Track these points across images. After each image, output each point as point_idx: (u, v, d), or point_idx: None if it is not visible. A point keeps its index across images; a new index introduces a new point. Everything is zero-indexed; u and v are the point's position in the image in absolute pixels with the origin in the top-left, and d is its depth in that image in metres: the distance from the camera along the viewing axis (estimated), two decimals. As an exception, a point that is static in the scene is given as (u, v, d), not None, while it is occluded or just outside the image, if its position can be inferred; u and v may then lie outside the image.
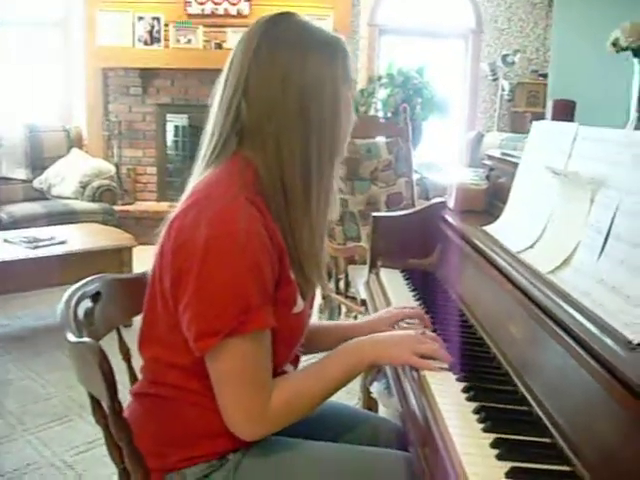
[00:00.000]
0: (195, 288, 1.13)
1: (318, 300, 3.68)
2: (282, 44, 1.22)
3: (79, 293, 1.37)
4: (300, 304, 1.27)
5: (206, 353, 1.16)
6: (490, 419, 1.07)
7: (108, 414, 1.16)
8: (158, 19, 6.19)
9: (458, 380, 1.22)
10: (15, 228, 4.49)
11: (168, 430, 1.27)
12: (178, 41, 6.20)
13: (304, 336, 1.35)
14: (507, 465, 0.95)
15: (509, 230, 1.62)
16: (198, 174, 1.27)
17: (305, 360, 1.42)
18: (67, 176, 5.55)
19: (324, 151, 1.23)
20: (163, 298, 1.22)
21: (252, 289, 1.13)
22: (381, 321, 1.51)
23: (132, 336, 1.37)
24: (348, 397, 2.87)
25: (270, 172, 1.21)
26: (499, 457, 0.98)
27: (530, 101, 6.78)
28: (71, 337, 1.18)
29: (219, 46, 6.10)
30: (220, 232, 1.13)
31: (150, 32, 6.20)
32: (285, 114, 1.20)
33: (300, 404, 1.24)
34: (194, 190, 1.23)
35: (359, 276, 2.88)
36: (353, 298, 3.24)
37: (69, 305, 1.31)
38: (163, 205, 6.07)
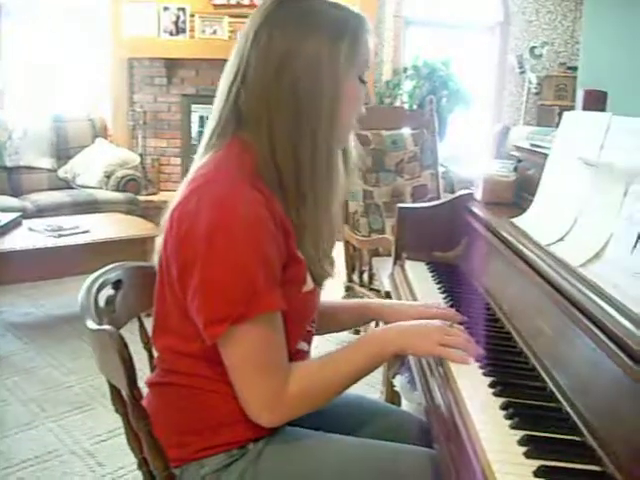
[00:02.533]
0: (201, 276, 1.12)
1: (341, 292, 3.67)
2: (282, 26, 1.19)
3: (100, 280, 1.36)
4: (310, 283, 1.26)
5: (216, 340, 1.15)
6: (518, 415, 1.04)
7: (127, 403, 1.14)
8: (184, 9, 6.19)
9: (485, 375, 1.19)
10: (40, 217, 4.52)
11: (186, 419, 1.26)
12: (203, 32, 6.19)
13: (315, 314, 1.34)
14: (535, 463, 0.92)
15: (538, 222, 1.58)
16: (198, 160, 1.27)
17: (323, 342, 1.40)
18: (92, 166, 5.57)
19: (319, 137, 1.20)
20: (172, 288, 1.21)
21: (258, 273, 1.12)
22: (407, 312, 1.46)
23: (153, 325, 1.36)
24: (371, 390, 2.85)
25: (264, 156, 1.19)
26: (527, 455, 0.95)
27: (558, 94, 6.70)
28: (91, 324, 1.17)
29: (244, 37, 6.07)
30: (222, 217, 1.11)
31: (175, 22, 6.19)
32: (277, 99, 1.18)
33: (318, 391, 1.22)
34: (193, 177, 1.22)
35: (383, 268, 2.85)
36: (377, 291, 3.22)
37: (90, 292, 1.30)
38: (187, 196, 6.01)
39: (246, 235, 1.11)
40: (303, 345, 1.36)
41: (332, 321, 1.52)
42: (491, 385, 1.16)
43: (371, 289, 3.33)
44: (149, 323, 1.47)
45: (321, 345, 1.44)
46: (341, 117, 1.23)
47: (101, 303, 1.32)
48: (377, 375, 2.51)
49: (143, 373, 1.35)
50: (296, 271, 1.22)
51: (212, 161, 1.22)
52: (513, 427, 1.02)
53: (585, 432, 1.01)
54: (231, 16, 6.19)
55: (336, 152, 1.26)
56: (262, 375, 1.16)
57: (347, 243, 3.51)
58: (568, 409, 1.08)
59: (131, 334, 1.43)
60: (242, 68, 1.21)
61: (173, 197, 1.23)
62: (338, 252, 3.02)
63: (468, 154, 6.39)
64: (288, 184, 1.20)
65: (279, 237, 1.16)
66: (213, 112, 1.27)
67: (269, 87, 1.19)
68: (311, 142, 1.19)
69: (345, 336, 3.28)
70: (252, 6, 6.17)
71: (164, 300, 1.25)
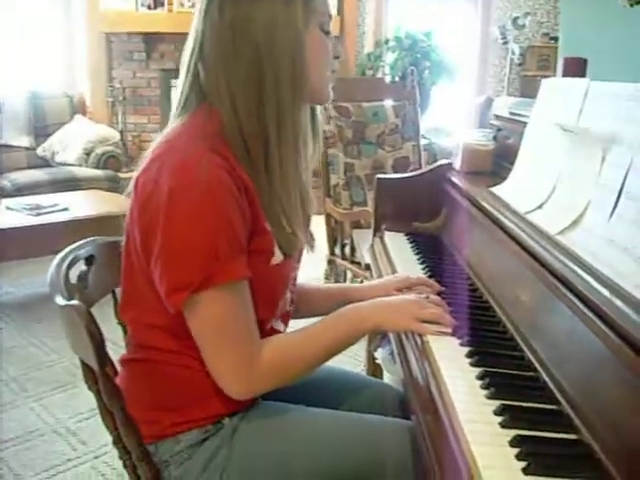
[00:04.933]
0: (162, 242, 1.10)
1: (324, 265, 3.66)
2: None
3: (71, 256, 1.34)
4: (279, 255, 1.23)
5: (179, 309, 1.12)
6: (494, 385, 1.03)
7: (98, 380, 1.12)
8: (162, -19, 6.10)
9: (462, 345, 1.19)
10: (19, 196, 4.46)
11: (158, 395, 1.24)
12: (182, 5, 6.09)
13: (287, 289, 1.31)
14: (511, 433, 0.92)
15: (517, 191, 1.56)
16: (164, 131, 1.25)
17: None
18: (71, 143, 5.51)
19: (283, 101, 1.17)
20: (137, 257, 1.19)
21: (220, 239, 1.10)
22: (386, 286, 1.47)
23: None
24: (354, 363, 2.85)
25: (229, 122, 1.17)
26: (503, 425, 0.94)
27: (541, 65, 6.67)
28: (60, 300, 1.14)
29: (224, 10, 5.99)
30: (182, 182, 1.09)
31: (153, -4, 6.11)
32: (237, 69, 1.16)
33: (293, 364, 1.20)
34: (156, 146, 1.19)
35: (364, 241, 2.84)
36: (359, 263, 3.21)
37: (60, 268, 1.27)
38: (168, 172, 5.98)
39: (207, 199, 1.09)
40: (279, 325, 1.34)
41: (310, 306, 1.49)
42: (468, 355, 1.15)
43: (353, 262, 3.32)
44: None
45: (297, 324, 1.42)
46: (309, 74, 1.20)
47: (73, 279, 1.30)
48: (360, 348, 2.50)
49: (121, 348, 1.34)
50: (262, 241, 1.19)
51: (175, 129, 1.20)
52: (489, 397, 1.01)
53: (562, 401, 1.00)
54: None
55: (303, 112, 1.24)
56: (230, 344, 1.14)
57: (329, 216, 3.49)
58: (545, 378, 1.08)
59: (109, 308, 1.42)
60: (198, 42, 1.20)
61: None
62: (320, 225, 3.01)
63: (451, 126, 6.36)
64: (254, 150, 1.18)
65: (243, 203, 1.13)
66: (177, 85, 1.26)
67: (226, 59, 1.16)
68: (276, 106, 1.17)
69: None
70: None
71: (131, 269, 1.23)
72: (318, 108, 1.34)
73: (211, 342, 1.15)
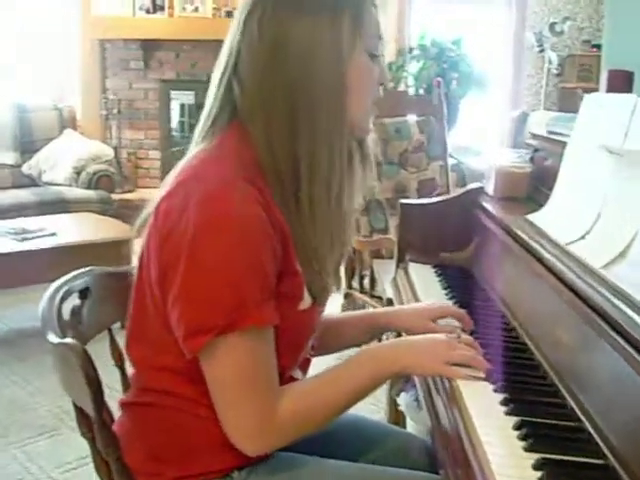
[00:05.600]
0: (184, 279, 1.11)
1: (340, 299, 3.66)
2: (272, 10, 1.18)
3: (65, 288, 1.36)
4: (307, 299, 1.24)
5: (197, 353, 1.13)
6: (533, 436, 1.04)
7: (94, 426, 1.14)
8: (162, -17, 6.19)
9: (496, 391, 1.19)
10: (2, 218, 4.50)
11: (161, 444, 1.25)
12: (184, 9, 6.18)
13: (313, 336, 1.32)
14: (553, 490, 0.92)
15: (557, 219, 1.58)
16: (189, 153, 1.26)
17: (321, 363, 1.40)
18: (59, 160, 5.57)
19: (318, 133, 1.18)
20: (151, 291, 1.20)
21: (249, 279, 1.10)
22: (420, 314, 1.47)
23: (126, 338, 1.35)
24: (373, 409, 2.85)
25: (264, 150, 1.18)
26: (543, 481, 0.94)
27: (582, 76, 6.68)
28: (53, 338, 1.16)
29: (230, 14, 6.05)
30: (212, 216, 1.10)
31: (153, -1, 6.20)
32: (272, 90, 1.17)
33: (312, 415, 1.21)
34: (183, 168, 1.20)
35: (386, 272, 2.84)
36: (379, 298, 3.21)
37: (52, 302, 1.29)
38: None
39: (238, 236, 1.10)
40: (297, 373, 1.35)
41: (336, 338, 1.50)
42: (503, 402, 1.15)
43: (372, 296, 3.32)
44: (121, 337, 1.46)
45: (313, 365, 1.43)
46: (353, 102, 1.20)
47: (65, 314, 1.32)
48: (381, 393, 2.50)
49: (117, 392, 1.35)
50: (292, 284, 1.20)
51: (206, 152, 1.21)
52: (527, 449, 1.01)
53: (609, 455, 1.01)
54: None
55: (341, 145, 1.22)
56: (248, 396, 1.14)
57: (346, 245, 3.50)
58: (590, 429, 1.08)
59: (103, 346, 1.43)
60: (233, 57, 1.21)
61: (155, 193, 1.21)
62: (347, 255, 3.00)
63: (482, 144, 6.38)
64: (287, 184, 1.18)
65: (276, 243, 1.14)
66: (207, 100, 1.26)
67: (262, 75, 1.18)
68: (309, 138, 1.17)
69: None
70: (238, -20, 6.17)
71: (142, 304, 1.23)
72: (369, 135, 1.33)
73: (228, 391, 1.15)
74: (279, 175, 1.18)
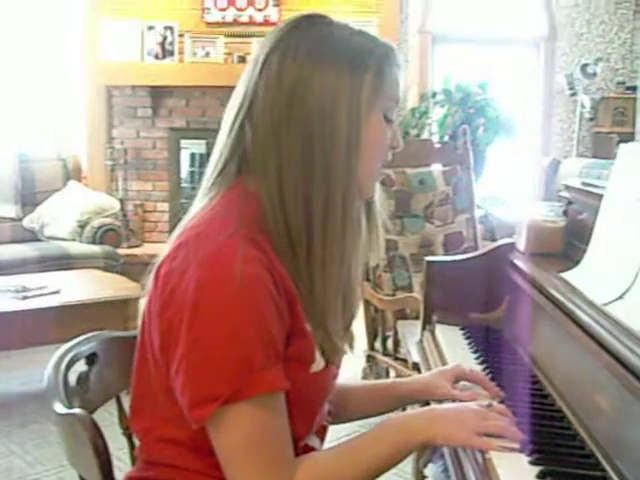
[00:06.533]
0: (187, 346, 1.12)
1: (361, 362, 3.65)
2: (296, 53, 1.20)
3: (71, 354, 1.37)
4: (320, 361, 1.24)
5: (203, 424, 1.13)
6: (572, 513, 1.04)
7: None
8: (171, 28, 6.29)
9: (531, 463, 1.18)
10: (2, 275, 4.53)
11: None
12: (195, 54, 6.28)
13: (327, 400, 1.32)
14: None
15: (593, 277, 1.58)
16: (193, 207, 1.27)
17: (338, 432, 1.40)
18: (63, 214, 5.60)
19: (333, 187, 1.19)
20: (154, 358, 1.21)
21: (255, 345, 1.11)
22: (438, 378, 1.49)
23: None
24: (398, 482, 2.83)
25: (271, 206, 1.19)
26: None
27: (616, 120, 6.72)
28: (59, 408, 1.17)
29: (242, 59, 6.16)
30: (213, 277, 1.11)
31: (162, 44, 6.30)
32: (288, 141, 1.19)
33: None
34: (185, 227, 1.22)
35: (410, 334, 2.84)
36: (404, 360, 3.20)
37: (58, 369, 1.30)
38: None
39: (241, 298, 1.11)
40: (314, 440, 1.34)
41: (352, 408, 1.50)
42: (539, 475, 1.15)
43: (396, 358, 3.30)
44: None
45: (333, 431, 1.43)
46: (362, 164, 1.22)
47: (72, 381, 1.33)
48: (406, 463, 2.48)
49: (125, 464, 1.35)
50: (302, 346, 1.21)
51: (208, 209, 1.23)
52: (567, 528, 1.01)
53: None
54: (227, 35, 6.30)
55: (354, 205, 1.25)
56: (260, 466, 1.14)
57: (367, 303, 3.50)
58: (634, 505, 1.07)
59: (110, 415, 1.44)
60: (248, 100, 1.22)
61: (161, 250, 1.23)
62: (358, 315, 3.00)
63: (511, 194, 6.39)
64: (297, 242, 1.20)
65: (282, 304, 1.15)
66: (215, 149, 1.28)
67: (278, 124, 1.19)
68: (325, 193, 1.19)
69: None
70: (252, 24, 6.27)
71: (145, 373, 1.24)
72: (377, 194, 1.35)
73: (238, 463, 1.15)
74: (290, 234, 1.19)
